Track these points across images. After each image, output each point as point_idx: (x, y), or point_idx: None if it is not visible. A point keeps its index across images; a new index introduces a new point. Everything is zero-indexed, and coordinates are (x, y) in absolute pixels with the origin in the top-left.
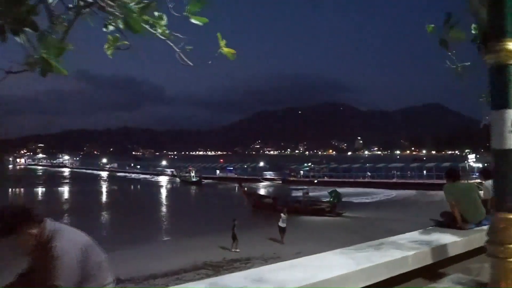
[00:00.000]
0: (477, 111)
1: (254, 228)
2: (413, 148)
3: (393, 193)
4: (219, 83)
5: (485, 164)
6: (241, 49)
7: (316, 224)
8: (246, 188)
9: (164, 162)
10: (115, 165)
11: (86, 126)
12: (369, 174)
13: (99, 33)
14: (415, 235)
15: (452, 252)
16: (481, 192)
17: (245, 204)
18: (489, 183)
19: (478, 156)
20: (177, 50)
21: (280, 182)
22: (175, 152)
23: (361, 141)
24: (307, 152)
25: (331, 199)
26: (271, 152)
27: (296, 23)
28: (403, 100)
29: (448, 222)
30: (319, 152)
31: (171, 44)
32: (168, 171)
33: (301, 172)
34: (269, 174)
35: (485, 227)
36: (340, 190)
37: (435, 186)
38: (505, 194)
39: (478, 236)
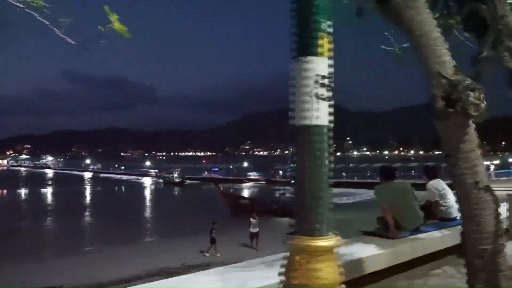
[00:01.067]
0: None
1: (229, 231)
2: (401, 149)
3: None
4: (211, 83)
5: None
6: (235, 48)
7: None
8: (222, 189)
9: (148, 163)
10: (99, 166)
11: (75, 127)
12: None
13: (88, 31)
14: None
15: (371, 267)
16: (423, 194)
17: (222, 205)
18: (433, 183)
19: None
20: (48, 23)
21: (264, 182)
22: (164, 153)
23: (350, 142)
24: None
25: None
26: (261, 153)
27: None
28: (391, 101)
29: (380, 230)
30: None
31: (42, 19)
32: (152, 172)
33: (280, 172)
34: (253, 175)
35: (421, 236)
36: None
37: (417, 186)
38: (304, 212)
39: (407, 248)
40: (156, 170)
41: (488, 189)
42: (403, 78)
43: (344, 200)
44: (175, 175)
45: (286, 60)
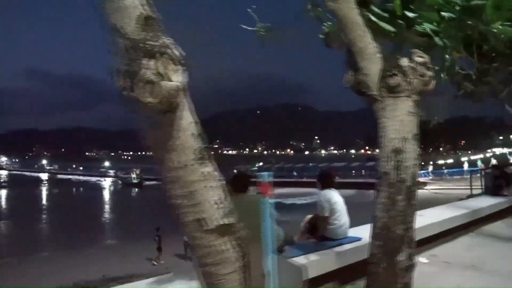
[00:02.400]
0: (428, 111)
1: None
2: (367, 148)
3: None
4: None
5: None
6: (204, 46)
7: None
8: None
9: (107, 163)
10: (56, 166)
11: (36, 126)
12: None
13: (52, 28)
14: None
15: None
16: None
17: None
18: (326, 194)
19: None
20: None
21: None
22: (131, 153)
23: (318, 141)
24: (265, 152)
25: None
26: (230, 152)
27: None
28: (359, 101)
29: None
30: (278, 152)
31: None
32: (111, 172)
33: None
34: None
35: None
36: (281, 190)
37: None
38: None
39: None
40: (116, 171)
41: None
42: None
43: (301, 201)
44: (133, 176)
45: (254, 59)
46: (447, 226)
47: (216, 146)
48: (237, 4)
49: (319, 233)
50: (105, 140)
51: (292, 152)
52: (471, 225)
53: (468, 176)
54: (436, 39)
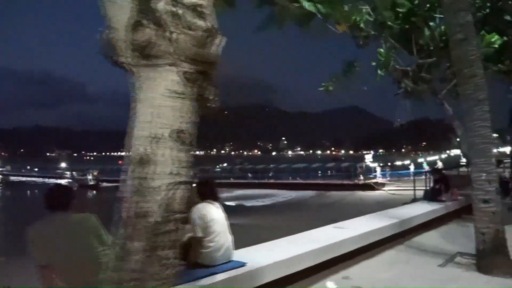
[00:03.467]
0: (391, 113)
1: None
2: (333, 149)
3: (292, 194)
4: None
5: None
6: None
7: None
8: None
9: (63, 164)
10: (9, 167)
11: None
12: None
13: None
14: None
15: None
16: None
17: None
18: (201, 209)
19: (379, 154)
20: None
21: None
22: (95, 153)
23: (286, 142)
24: (233, 153)
25: None
26: (197, 153)
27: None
28: (326, 103)
29: None
30: (245, 153)
31: None
32: (68, 173)
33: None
34: None
35: None
36: (242, 192)
37: (336, 186)
38: None
39: None
40: (73, 172)
41: None
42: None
43: (260, 203)
44: (89, 177)
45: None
46: (369, 240)
47: None
48: None
49: (191, 258)
50: (68, 140)
51: (259, 153)
52: (401, 236)
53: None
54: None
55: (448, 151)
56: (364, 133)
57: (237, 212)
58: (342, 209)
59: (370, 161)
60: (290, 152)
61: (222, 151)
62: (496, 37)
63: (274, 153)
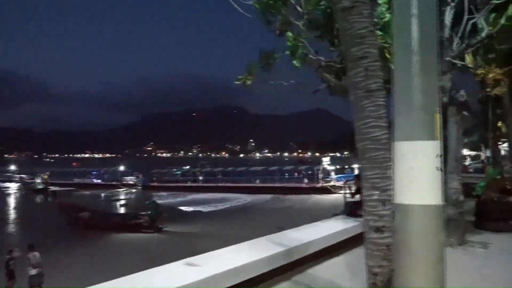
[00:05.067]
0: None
1: (61, 254)
2: (300, 151)
3: (248, 198)
4: (112, 81)
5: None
6: (138, 47)
7: (122, 245)
8: (59, 200)
9: (12, 167)
10: None
11: None
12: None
13: None
14: None
15: None
16: None
17: (62, 220)
18: None
19: (338, 157)
20: None
21: (140, 187)
22: (57, 155)
23: (253, 144)
24: (200, 154)
25: (150, 212)
26: (164, 155)
27: (209, 23)
28: (295, 105)
29: None
30: (213, 154)
31: None
32: (17, 177)
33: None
34: (130, 179)
35: None
36: (198, 196)
37: (294, 190)
38: None
39: None
40: (23, 175)
41: None
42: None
43: (212, 208)
44: (38, 181)
45: (187, 60)
46: (231, 282)
47: (150, 148)
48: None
49: None
50: (28, 142)
51: (227, 154)
52: (288, 269)
53: None
54: None
55: None
56: (331, 135)
57: (183, 218)
58: (295, 214)
59: (328, 164)
60: (258, 154)
61: (190, 153)
62: None
63: (242, 155)
